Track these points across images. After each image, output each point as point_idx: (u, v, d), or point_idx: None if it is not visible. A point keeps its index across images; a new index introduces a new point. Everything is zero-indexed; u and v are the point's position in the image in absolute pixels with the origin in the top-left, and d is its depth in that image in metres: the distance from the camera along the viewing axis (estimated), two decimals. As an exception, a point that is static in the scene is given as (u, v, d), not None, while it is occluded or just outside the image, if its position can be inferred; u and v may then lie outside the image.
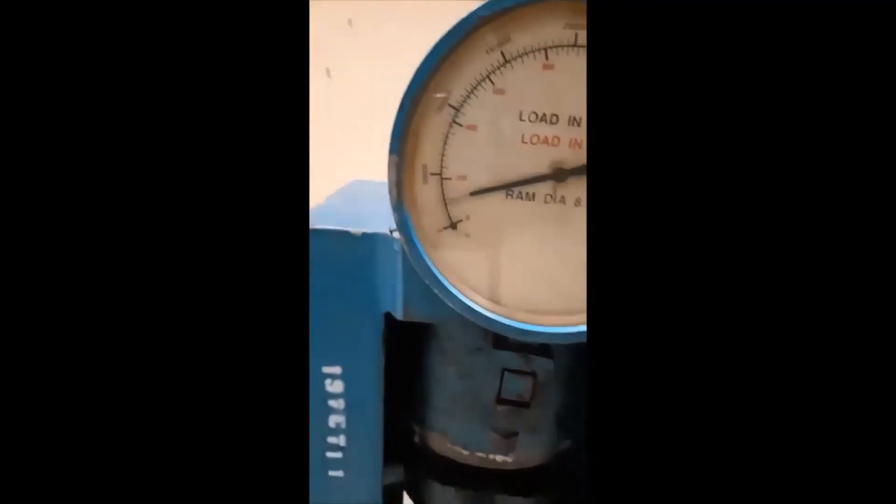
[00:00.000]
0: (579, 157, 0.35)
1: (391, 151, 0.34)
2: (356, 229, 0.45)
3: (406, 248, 0.37)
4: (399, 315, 0.44)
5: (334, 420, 0.51)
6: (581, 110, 0.34)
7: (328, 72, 1.60)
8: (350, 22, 1.62)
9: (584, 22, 0.32)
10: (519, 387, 0.42)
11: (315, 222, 0.45)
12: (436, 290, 0.37)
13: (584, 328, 0.36)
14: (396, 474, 0.61)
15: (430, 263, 0.37)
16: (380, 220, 0.45)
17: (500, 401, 0.43)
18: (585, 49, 0.33)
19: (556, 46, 0.33)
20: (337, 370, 0.50)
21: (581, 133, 0.35)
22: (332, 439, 0.52)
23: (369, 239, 0.44)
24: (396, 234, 0.37)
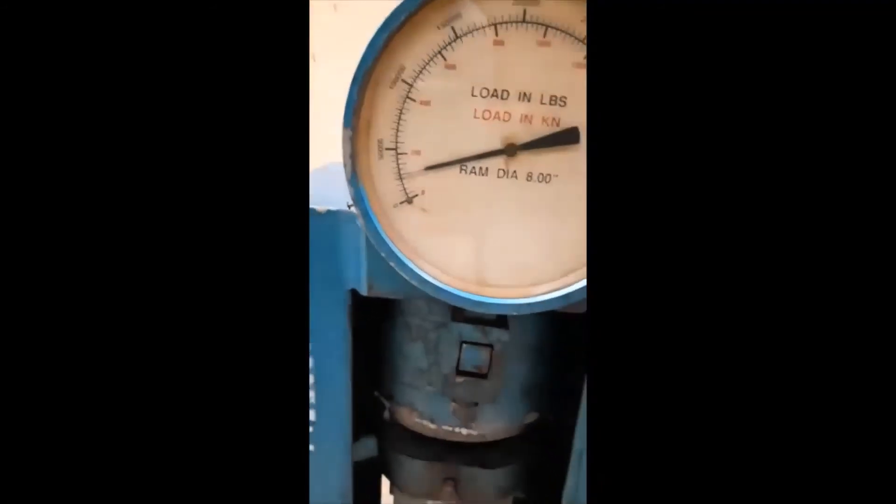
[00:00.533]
0: (530, 131, 0.36)
1: (345, 125, 0.35)
2: (320, 207, 0.46)
3: (362, 221, 0.38)
4: (364, 291, 0.45)
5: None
6: (530, 85, 0.35)
7: (314, 56, 1.60)
8: (335, 7, 1.61)
9: (543, 5, 0.33)
10: (476, 358, 0.43)
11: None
12: (391, 263, 0.38)
13: (535, 299, 0.37)
14: (370, 449, 0.63)
15: (384, 236, 0.37)
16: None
17: (460, 372, 0.44)
18: (533, 24, 0.34)
19: (506, 23, 0.34)
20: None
21: (531, 108, 0.35)
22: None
23: (333, 216, 0.45)
24: (354, 209, 0.38)
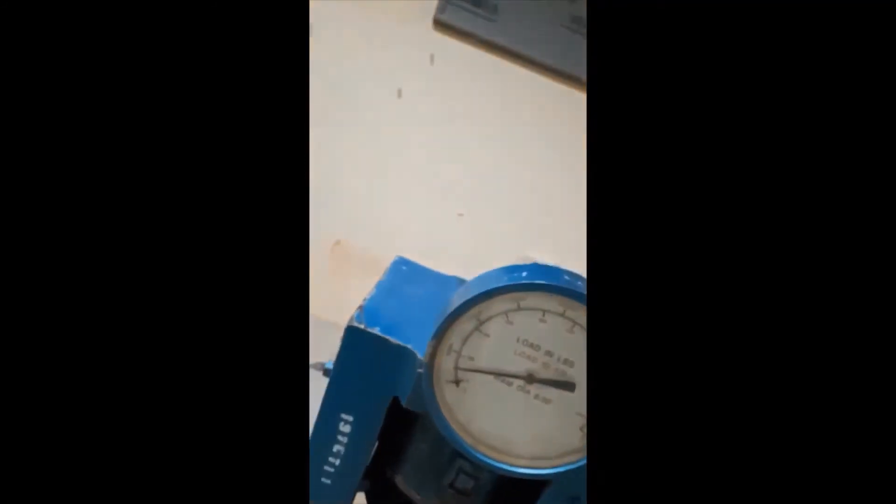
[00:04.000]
0: (546, 373, 0.56)
1: (432, 338, 0.55)
2: (395, 340, 0.65)
3: (425, 388, 0.58)
4: (405, 404, 0.65)
5: (336, 447, 0.73)
6: (553, 348, 0.55)
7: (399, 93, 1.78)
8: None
9: (577, 309, 0.52)
10: (466, 483, 0.63)
11: (369, 324, 0.66)
12: (434, 420, 0.58)
13: (522, 470, 0.58)
14: (362, 485, 0.83)
15: (437, 403, 0.58)
16: (416, 324, 0.64)
17: (452, 487, 0.64)
18: (569, 319, 0.53)
19: (550, 311, 0.53)
20: (350, 418, 0.71)
21: (550, 360, 0.55)
22: (331, 458, 0.74)
23: (402, 350, 0.65)
24: (420, 369, 0.57)
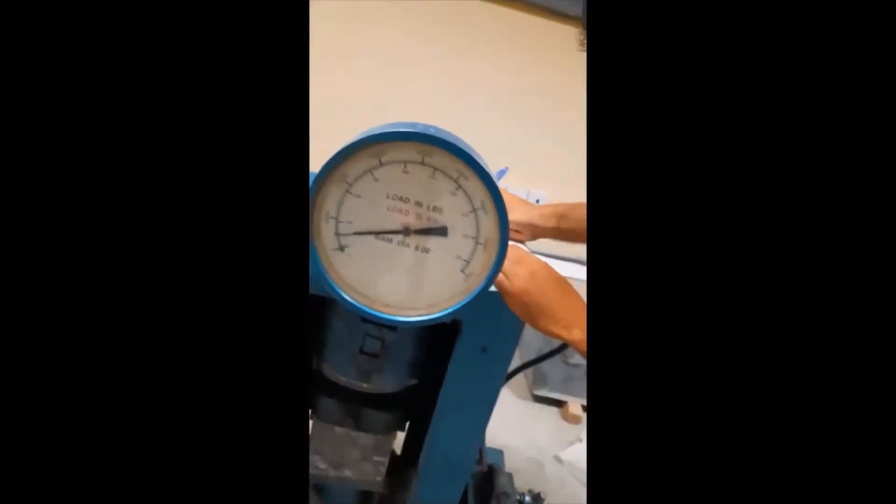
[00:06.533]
0: (419, 223, 0.59)
1: (308, 208, 0.58)
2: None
3: (311, 257, 0.61)
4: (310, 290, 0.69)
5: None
6: (421, 198, 0.58)
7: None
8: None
9: (434, 155, 0.56)
10: (373, 346, 0.68)
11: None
12: (327, 287, 0.62)
13: (406, 319, 0.62)
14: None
15: (325, 272, 0.61)
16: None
17: (362, 352, 0.69)
18: (426, 166, 0.56)
19: (410, 161, 0.57)
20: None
21: (420, 210, 0.59)
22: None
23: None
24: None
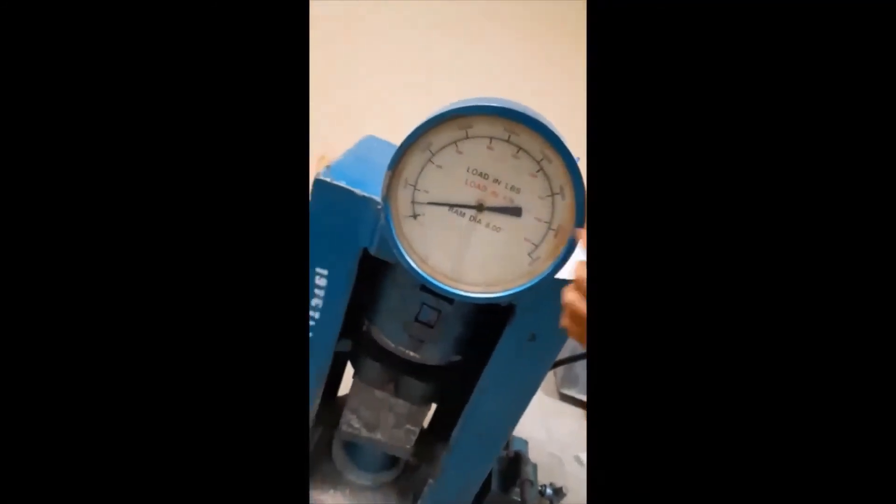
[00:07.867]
0: (495, 201, 0.60)
1: (388, 168, 0.59)
2: (360, 191, 0.69)
3: (384, 222, 0.62)
4: (373, 252, 0.70)
5: (315, 301, 0.79)
6: (501, 176, 0.58)
7: None
8: None
9: (520, 133, 0.56)
10: (429, 315, 0.69)
11: (336, 177, 0.69)
12: (395, 252, 0.63)
13: (467, 294, 0.63)
14: (345, 345, 0.90)
15: (395, 237, 0.62)
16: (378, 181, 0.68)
17: (417, 320, 0.70)
18: (511, 144, 0.57)
19: (496, 138, 0.57)
20: (325, 272, 0.76)
21: (498, 188, 0.59)
22: (311, 313, 0.79)
23: (367, 201, 0.69)
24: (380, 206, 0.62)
